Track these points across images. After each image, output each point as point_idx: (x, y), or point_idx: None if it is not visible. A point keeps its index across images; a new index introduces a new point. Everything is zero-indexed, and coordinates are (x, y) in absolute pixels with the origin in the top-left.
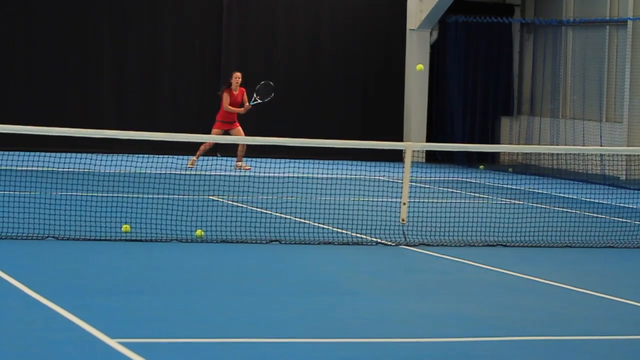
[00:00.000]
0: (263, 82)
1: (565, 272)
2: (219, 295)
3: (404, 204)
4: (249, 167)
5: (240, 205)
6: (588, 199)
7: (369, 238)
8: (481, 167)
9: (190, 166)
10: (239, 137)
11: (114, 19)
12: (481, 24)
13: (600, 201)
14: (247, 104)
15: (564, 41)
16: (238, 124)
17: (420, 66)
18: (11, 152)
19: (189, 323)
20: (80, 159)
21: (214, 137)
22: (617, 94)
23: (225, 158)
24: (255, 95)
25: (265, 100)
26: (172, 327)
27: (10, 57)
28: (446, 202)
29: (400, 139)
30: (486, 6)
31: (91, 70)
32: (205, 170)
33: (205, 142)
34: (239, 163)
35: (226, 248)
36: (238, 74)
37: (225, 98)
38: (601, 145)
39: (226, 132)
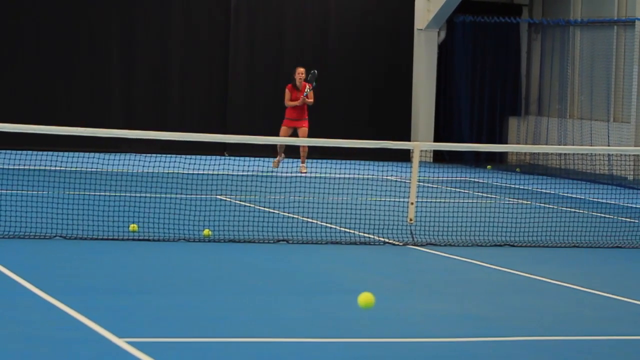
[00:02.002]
0: (311, 72)
1: (573, 272)
2: (226, 295)
3: (412, 203)
4: (305, 170)
5: (248, 204)
6: (595, 199)
7: (376, 238)
8: (489, 167)
9: (275, 167)
10: (302, 140)
11: (123, 19)
12: (489, 24)
13: (608, 201)
14: (301, 96)
15: (572, 41)
16: (305, 124)
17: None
18: (19, 152)
19: (197, 322)
20: (89, 158)
21: (283, 139)
22: (624, 94)
23: (232, 158)
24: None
25: (314, 85)
26: (179, 327)
27: (18, 56)
28: (454, 202)
29: (408, 138)
30: (494, 6)
31: (99, 69)
32: (213, 170)
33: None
34: (303, 165)
35: (233, 247)
36: (301, 70)
37: (287, 95)
38: (609, 146)
39: (294, 131)
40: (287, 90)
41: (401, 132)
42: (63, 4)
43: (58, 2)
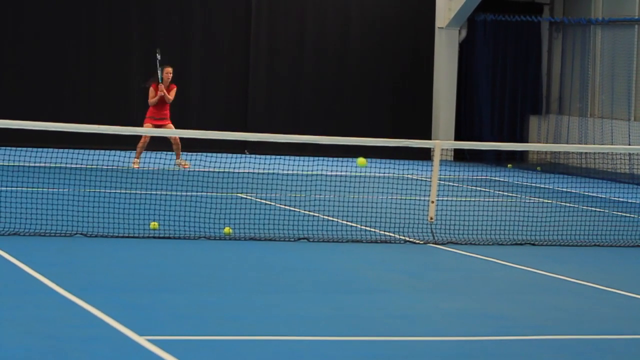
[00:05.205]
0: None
1: (594, 271)
2: (247, 293)
3: (432, 202)
4: (188, 165)
5: (268, 202)
6: (616, 198)
7: (397, 236)
8: (509, 165)
9: (136, 167)
10: (171, 130)
11: (143, 18)
12: (510, 22)
13: (629, 200)
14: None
15: (593, 40)
16: (169, 121)
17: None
18: (40, 149)
19: (217, 320)
20: (110, 155)
21: (148, 130)
22: None
23: (253, 156)
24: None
25: (158, 58)
26: (200, 325)
27: (40, 54)
28: (474, 201)
29: (428, 137)
30: (515, 5)
31: (120, 68)
32: (234, 168)
33: (141, 140)
34: (179, 160)
35: (254, 245)
36: (169, 69)
37: (151, 93)
38: (629, 145)
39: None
40: (151, 90)
41: (422, 131)
42: (84, 3)
43: (79, 2)
